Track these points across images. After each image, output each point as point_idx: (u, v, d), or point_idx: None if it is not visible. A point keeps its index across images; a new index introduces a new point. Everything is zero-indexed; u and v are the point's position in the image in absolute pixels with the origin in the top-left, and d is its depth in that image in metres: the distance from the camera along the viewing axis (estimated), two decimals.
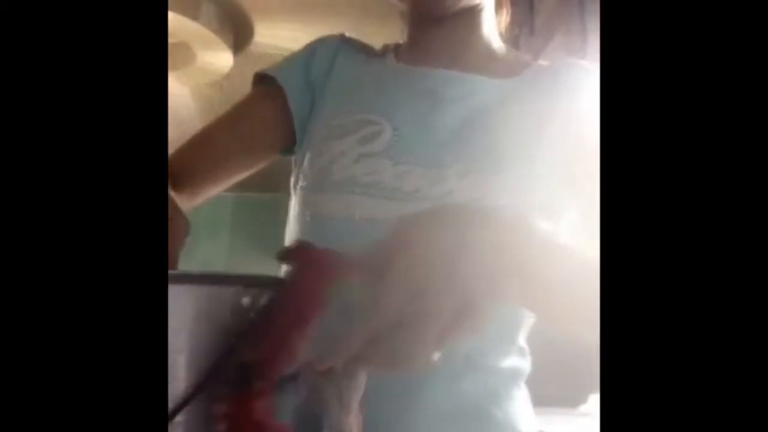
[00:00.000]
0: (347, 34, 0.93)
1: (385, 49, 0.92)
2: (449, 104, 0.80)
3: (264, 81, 0.90)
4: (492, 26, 0.89)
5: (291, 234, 0.83)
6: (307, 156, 0.83)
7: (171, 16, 2.72)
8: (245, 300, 0.43)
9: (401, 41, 0.92)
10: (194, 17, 2.90)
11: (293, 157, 0.89)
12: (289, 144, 0.88)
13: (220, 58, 3.20)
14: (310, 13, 2.93)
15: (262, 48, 3.23)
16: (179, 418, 0.41)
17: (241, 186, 0.91)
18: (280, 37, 3.14)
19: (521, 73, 0.85)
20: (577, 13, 1.81)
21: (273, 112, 0.88)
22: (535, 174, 0.76)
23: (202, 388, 0.41)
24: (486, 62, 0.86)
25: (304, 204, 0.81)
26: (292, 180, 0.87)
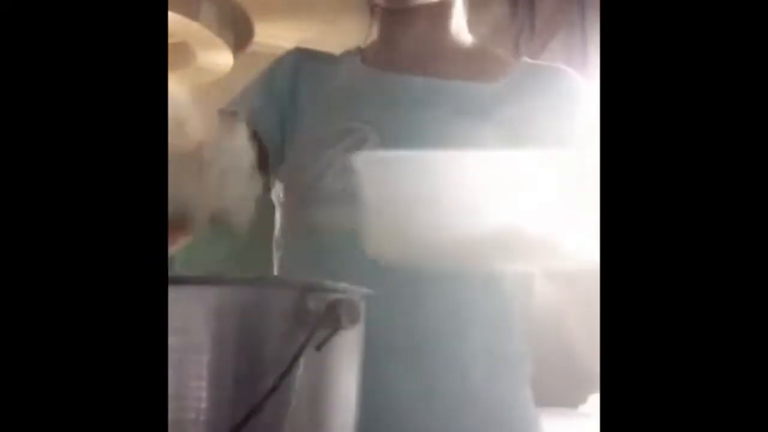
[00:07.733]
0: (303, 45, 0.90)
1: (347, 55, 0.90)
2: (427, 110, 0.79)
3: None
4: (462, 22, 0.86)
5: (284, 247, 0.82)
6: (290, 171, 0.82)
7: (171, 16, 2.71)
8: (311, 304, 0.43)
9: (362, 45, 0.90)
10: (194, 17, 2.89)
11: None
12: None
13: (220, 58, 3.19)
14: (309, 13, 2.92)
15: (262, 48, 3.23)
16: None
17: None
18: (280, 37, 3.14)
19: (497, 76, 0.83)
20: (577, 13, 1.81)
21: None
22: (530, 180, 0.76)
23: (275, 390, 0.42)
24: (458, 63, 0.84)
25: (297, 219, 0.80)
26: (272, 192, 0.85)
